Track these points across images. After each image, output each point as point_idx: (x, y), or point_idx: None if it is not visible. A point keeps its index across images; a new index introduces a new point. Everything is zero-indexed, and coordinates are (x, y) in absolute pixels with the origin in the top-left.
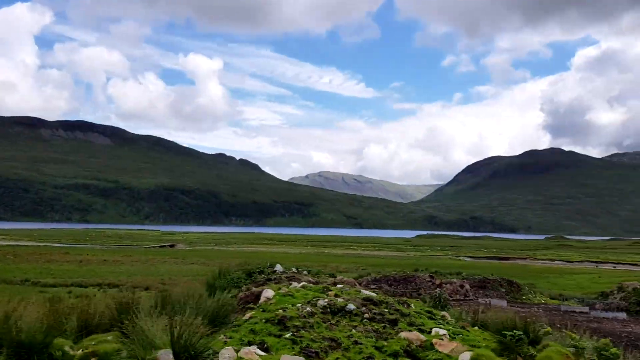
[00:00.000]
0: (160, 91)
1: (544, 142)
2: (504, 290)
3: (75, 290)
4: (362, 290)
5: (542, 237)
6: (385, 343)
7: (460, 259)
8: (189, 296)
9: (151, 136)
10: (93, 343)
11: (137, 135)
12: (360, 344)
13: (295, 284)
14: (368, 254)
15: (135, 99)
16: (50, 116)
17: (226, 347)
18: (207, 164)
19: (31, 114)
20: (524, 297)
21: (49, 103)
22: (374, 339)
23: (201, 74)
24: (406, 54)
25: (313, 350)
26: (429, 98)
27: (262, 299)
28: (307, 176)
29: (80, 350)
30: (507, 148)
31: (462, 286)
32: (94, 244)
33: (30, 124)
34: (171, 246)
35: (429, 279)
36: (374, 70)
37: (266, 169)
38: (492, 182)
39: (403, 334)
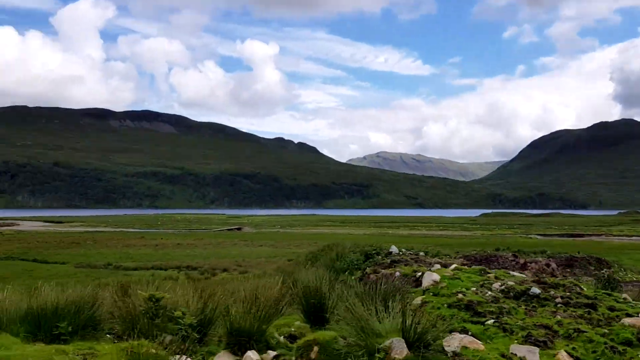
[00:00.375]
0: (219, 79)
1: (614, 113)
2: (592, 268)
3: (157, 273)
4: (509, 272)
5: (614, 212)
6: (606, 330)
7: (530, 237)
8: (320, 279)
9: (213, 123)
10: (287, 328)
11: (200, 122)
12: (583, 331)
13: (437, 266)
14: (434, 234)
15: (196, 87)
16: (118, 107)
17: (452, 335)
18: (267, 148)
19: (100, 106)
20: (614, 275)
21: (116, 94)
22: (589, 326)
23: (258, 59)
24: (464, 27)
25: (540, 340)
26: (489, 72)
27: (428, 282)
28: (365, 157)
29: (282, 336)
30: (574, 121)
31: (548, 265)
32: (166, 228)
33: (99, 115)
34: (238, 229)
35: (512, 258)
36: (431, 46)
37: (324, 151)
38: (560, 156)
39: (627, 321)
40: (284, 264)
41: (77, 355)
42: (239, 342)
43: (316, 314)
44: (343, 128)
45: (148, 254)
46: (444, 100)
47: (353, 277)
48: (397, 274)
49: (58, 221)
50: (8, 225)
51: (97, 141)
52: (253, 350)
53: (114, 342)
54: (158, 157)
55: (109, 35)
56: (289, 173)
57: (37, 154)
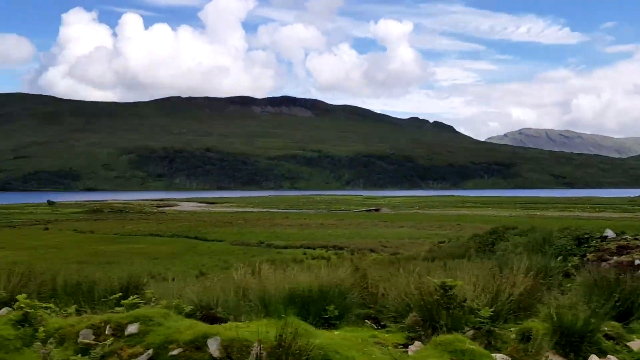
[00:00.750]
0: (353, 61)
1: None
2: None
3: (308, 252)
4: None
5: None
6: None
7: None
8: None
9: (347, 105)
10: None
11: (335, 105)
12: None
13: None
14: (589, 216)
15: (331, 71)
16: (259, 94)
17: None
18: (401, 128)
19: (243, 94)
20: None
21: (258, 82)
22: None
23: (392, 39)
24: None
25: None
26: None
27: None
28: (505, 135)
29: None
30: None
31: None
32: (307, 208)
33: (243, 103)
34: (376, 210)
35: None
36: (579, 11)
37: (461, 130)
38: None
39: None
40: (436, 246)
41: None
42: (569, 342)
43: (619, 310)
44: (481, 105)
45: (294, 233)
46: (596, 69)
47: (570, 264)
48: (637, 262)
49: (211, 202)
50: (169, 205)
51: (241, 127)
52: (594, 355)
53: (375, 329)
54: (296, 141)
55: (250, 26)
56: (424, 153)
57: (190, 141)
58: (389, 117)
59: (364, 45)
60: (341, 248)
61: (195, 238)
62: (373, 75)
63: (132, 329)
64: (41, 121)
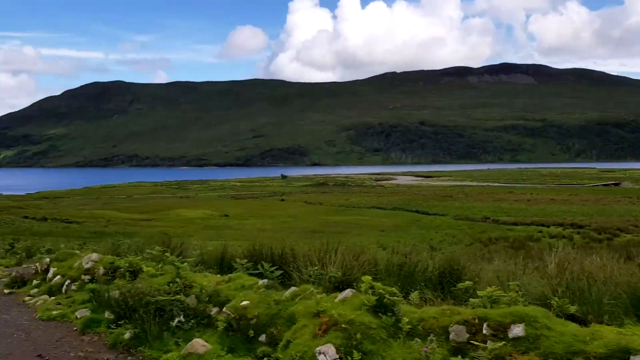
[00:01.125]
0: (583, 19)
1: None
2: None
3: (543, 230)
4: None
5: None
6: None
7: None
8: None
9: (576, 69)
10: None
11: (561, 70)
12: None
13: None
14: None
15: (556, 32)
16: (476, 63)
17: None
18: None
19: (458, 64)
20: None
21: (474, 51)
22: None
23: None
24: None
25: None
26: None
27: None
28: None
29: None
30: None
31: None
32: (532, 183)
33: (458, 74)
34: (615, 184)
35: None
36: None
37: None
38: None
39: None
40: None
41: None
42: None
43: None
44: None
45: (522, 209)
46: None
47: None
48: None
49: (427, 176)
50: (387, 179)
51: (457, 98)
52: None
53: None
54: (517, 110)
55: None
56: None
57: (405, 115)
58: (628, 79)
59: (595, 0)
60: (581, 226)
61: (416, 212)
62: (607, 34)
63: (517, 331)
64: (273, 103)
